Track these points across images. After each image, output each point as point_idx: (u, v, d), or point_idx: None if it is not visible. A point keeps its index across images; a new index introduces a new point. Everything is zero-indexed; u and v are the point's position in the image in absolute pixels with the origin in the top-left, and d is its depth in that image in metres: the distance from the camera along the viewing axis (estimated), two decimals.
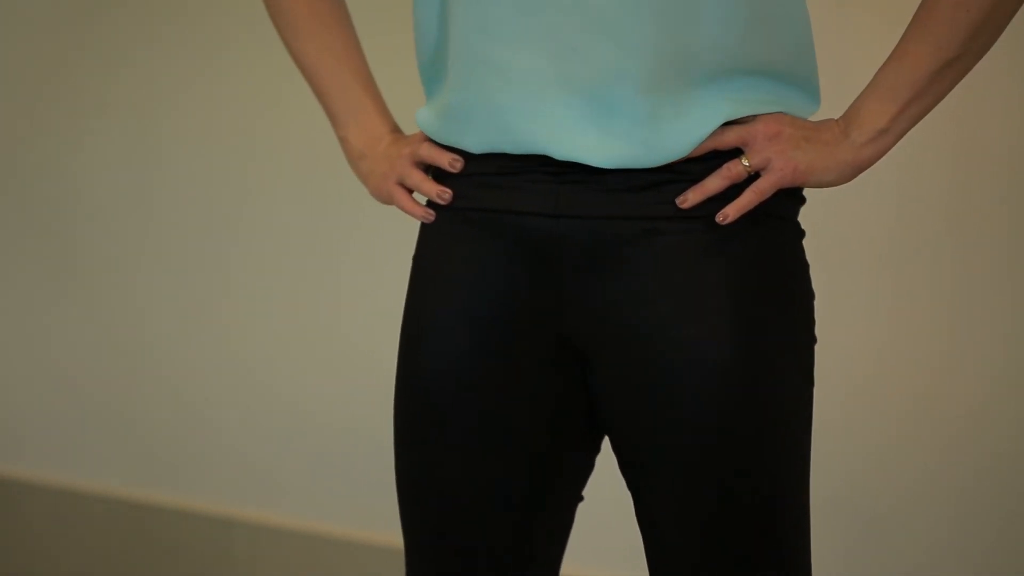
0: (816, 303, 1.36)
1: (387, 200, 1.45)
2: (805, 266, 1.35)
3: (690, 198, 1.28)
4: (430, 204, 1.38)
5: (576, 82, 1.26)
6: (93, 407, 2.88)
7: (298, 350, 2.67)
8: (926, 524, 2.22)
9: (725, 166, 1.28)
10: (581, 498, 1.43)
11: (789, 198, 1.33)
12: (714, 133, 1.28)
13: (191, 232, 2.75)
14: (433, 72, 1.36)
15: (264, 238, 2.69)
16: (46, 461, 2.94)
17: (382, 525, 2.64)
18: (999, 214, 2.14)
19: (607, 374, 1.32)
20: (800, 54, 1.32)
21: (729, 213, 1.28)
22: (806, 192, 1.36)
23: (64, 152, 2.84)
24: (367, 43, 1.52)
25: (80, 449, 2.90)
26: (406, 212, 1.41)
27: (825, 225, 1.36)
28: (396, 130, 1.47)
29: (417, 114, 1.38)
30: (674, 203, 1.28)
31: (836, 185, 1.33)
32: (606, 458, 1.41)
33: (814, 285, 1.35)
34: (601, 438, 1.40)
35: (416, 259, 1.41)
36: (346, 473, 2.66)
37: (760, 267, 1.30)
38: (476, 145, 1.32)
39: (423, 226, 1.40)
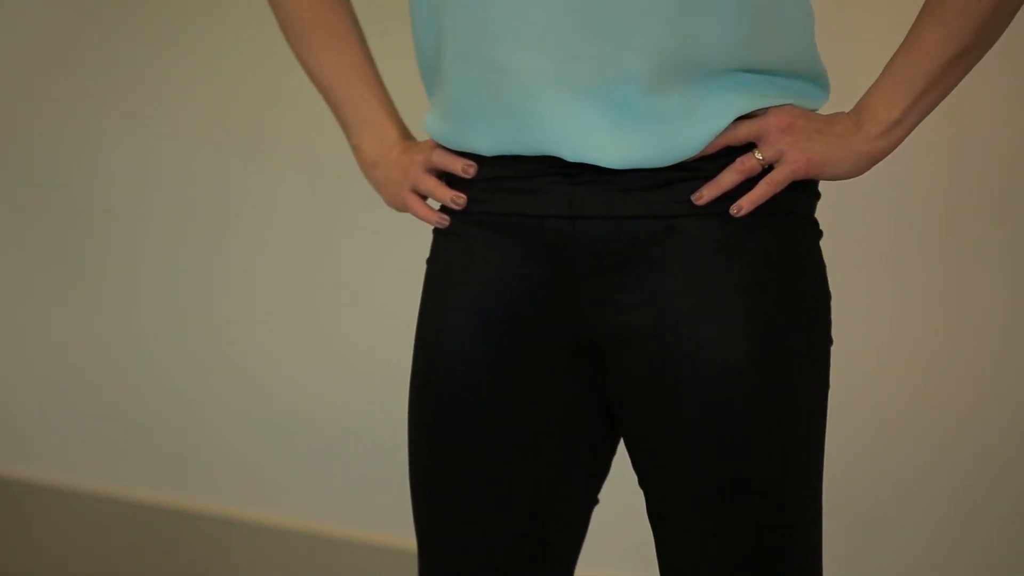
0: None
1: (401, 208, 1.45)
2: (821, 266, 1.34)
3: (705, 195, 1.28)
4: (444, 209, 1.38)
5: (581, 83, 1.26)
6: (93, 407, 2.88)
7: (298, 350, 2.67)
8: (926, 524, 2.22)
9: (739, 160, 1.28)
10: (596, 501, 1.43)
11: (803, 192, 1.32)
12: (726, 129, 1.28)
13: (191, 232, 2.75)
14: (433, 72, 1.36)
15: (264, 238, 2.69)
16: (46, 461, 2.94)
17: (382, 525, 2.64)
18: (999, 214, 2.14)
19: (622, 371, 1.32)
20: (806, 47, 1.31)
21: (743, 205, 1.28)
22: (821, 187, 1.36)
23: (65, 152, 2.84)
24: (370, 43, 1.52)
25: (80, 449, 2.90)
26: (421, 219, 1.41)
27: (824, 225, 1.35)
28: (408, 137, 1.47)
29: (425, 120, 1.38)
30: (689, 201, 1.28)
31: (850, 177, 1.33)
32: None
33: None
34: (617, 440, 1.40)
35: (430, 262, 1.41)
36: (346, 473, 2.66)
37: (775, 265, 1.30)
38: (487, 147, 1.32)
39: (437, 230, 1.40)
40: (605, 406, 1.36)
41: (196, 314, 2.76)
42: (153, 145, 2.76)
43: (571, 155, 1.27)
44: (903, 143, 1.34)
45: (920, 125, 1.34)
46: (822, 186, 1.35)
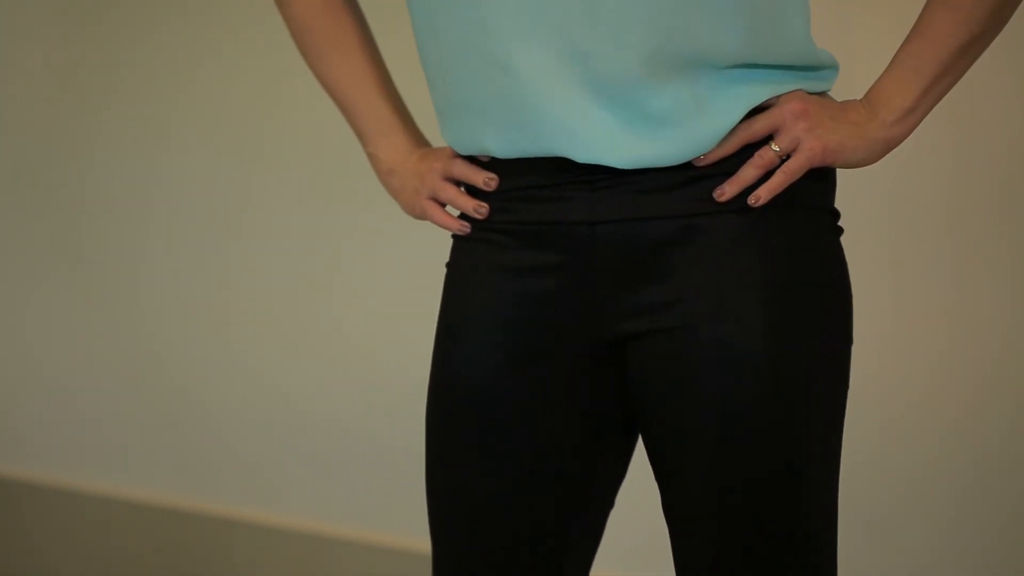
0: None
1: (420, 215, 1.45)
2: (841, 262, 1.34)
3: (727, 191, 1.28)
4: (463, 216, 1.38)
5: (584, 79, 1.25)
6: (94, 408, 2.88)
7: (299, 350, 2.67)
8: (926, 524, 2.22)
9: (757, 154, 1.28)
10: (612, 504, 1.43)
11: (820, 182, 1.32)
12: (743, 126, 1.28)
13: (191, 233, 2.75)
14: (435, 70, 1.36)
15: (264, 238, 2.69)
16: (46, 461, 2.94)
17: (382, 525, 2.64)
18: (999, 213, 2.14)
19: (642, 368, 1.32)
20: (805, 36, 1.31)
21: (761, 195, 1.28)
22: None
23: (65, 153, 2.85)
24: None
25: (80, 450, 2.90)
26: (441, 226, 1.41)
27: None
28: (424, 144, 1.47)
29: (440, 128, 1.38)
30: (708, 199, 1.28)
31: (864, 165, 1.32)
32: None
33: None
34: (634, 443, 1.41)
35: (451, 266, 1.41)
36: (346, 473, 2.66)
37: (794, 262, 1.30)
38: (500, 149, 1.31)
39: (457, 235, 1.40)
40: (624, 406, 1.37)
41: (196, 314, 2.76)
42: (154, 146, 2.76)
43: (581, 156, 1.27)
44: (902, 143, 1.34)
45: (920, 124, 1.34)
46: (842, 168, 1.34)
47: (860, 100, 1.32)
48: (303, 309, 2.67)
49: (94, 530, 2.88)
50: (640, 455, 1.42)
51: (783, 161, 1.29)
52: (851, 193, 1.58)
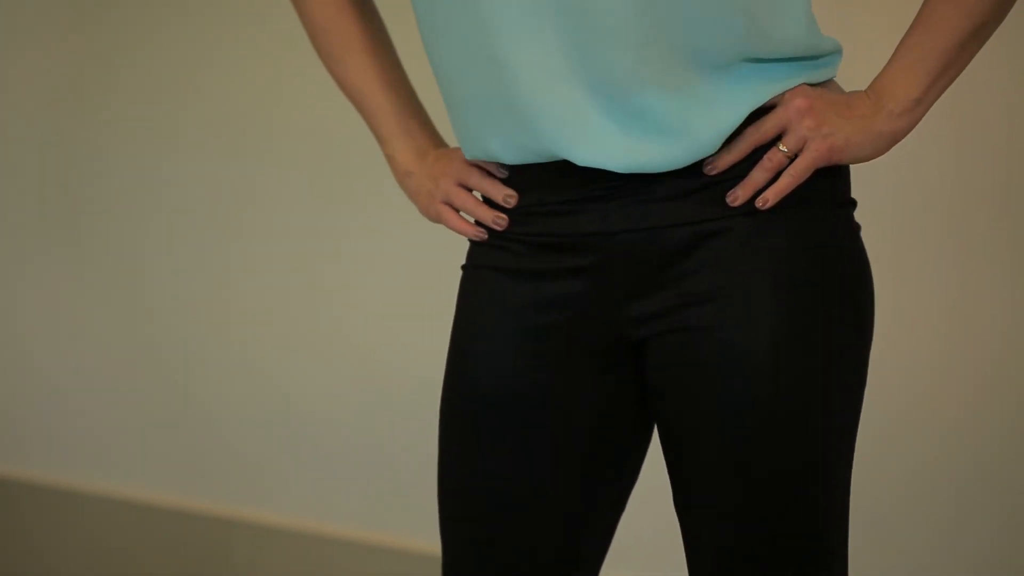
0: None
1: (436, 219, 1.45)
2: (856, 257, 1.33)
3: (740, 195, 1.28)
4: (481, 224, 1.38)
5: (584, 81, 1.25)
6: (94, 408, 2.88)
7: (299, 350, 2.67)
8: (925, 524, 2.22)
9: (766, 156, 1.28)
10: (623, 507, 1.43)
11: (829, 178, 1.32)
12: (750, 129, 1.28)
13: (192, 232, 2.75)
14: (439, 69, 1.36)
15: (266, 238, 2.69)
16: (46, 461, 2.94)
17: (382, 525, 2.64)
18: (1000, 212, 2.14)
19: (658, 369, 1.33)
20: (806, 22, 1.30)
21: (769, 198, 1.28)
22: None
23: (67, 153, 2.84)
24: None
25: (80, 450, 2.90)
26: (457, 232, 1.41)
27: None
28: (441, 144, 1.46)
29: (452, 127, 1.38)
30: (722, 204, 1.29)
31: (870, 159, 1.32)
32: None
33: None
34: (647, 447, 1.41)
35: (467, 268, 1.41)
36: (346, 473, 2.66)
37: (805, 261, 1.30)
38: (505, 153, 1.31)
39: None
40: (640, 409, 1.37)
41: (197, 315, 2.76)
42: (156, 145, 2.76)
43: (580, 158, 1.27)
44: (902, 142, 1.34)
45: (920, 122, 1.34)
46: (848, 164, 1.34)
47: (865, 91, 1.31)
48: (303, 309, 2.67)
49: (94, 530, 2.88)
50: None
51: (791, 161, 1.29)
52: (852, 192, 1.58)
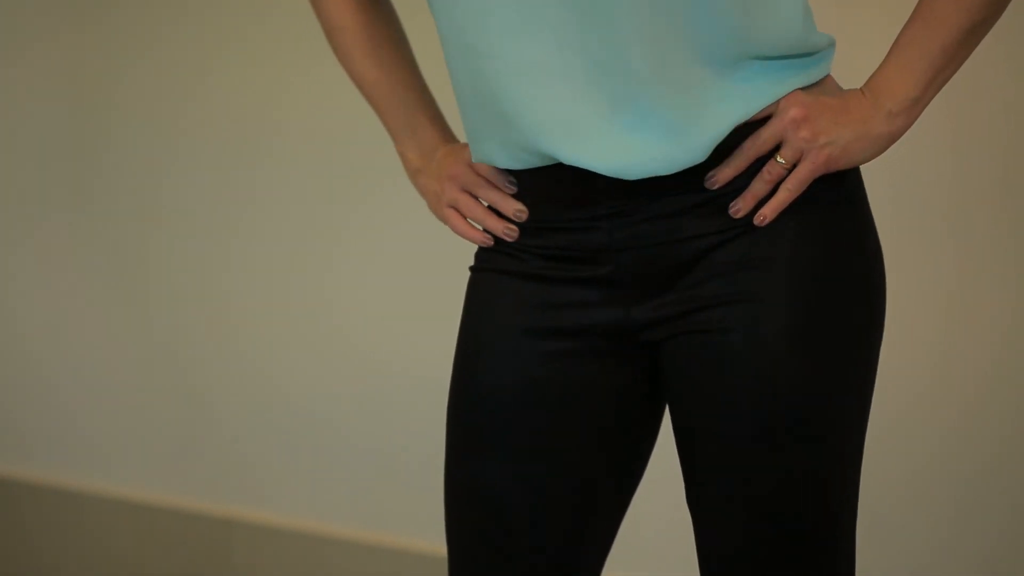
0: None
1: (443, 221, 1.45)
2: (866, 258, 1.33)
3: (742, 207, 1.29)
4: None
5: (574, 77, 1.25)
6: (93, 408, 2.87)
7: (300, 350, 2.67)
8: (926, 524, 2.22)
9: (764, 169, 1.28)
10: (627, 508, 1.44)
11: (837, 175, 1.31)
12: (748, 142, 1.27)
13: (194, 231, 2.75)
14: (448, 67, 1.35)
15: (265, 238, 2.69)
16: (46, 461, 2.94)
17: (382, 525, 2.64)
18: (1000, 214, 2.13)
19: (670, 370, 1.34)
20: (803, 20, 1.29)
21: (767, 214, 1.29)
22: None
23: (71, 152, 2.84)
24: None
25: (80, 450, 2.90)
26: (463, 237, 1.41)
27: None
28: (450, 140, 1.46)
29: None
30: (725, 216, 1.29)
31: (868, 161, 1.32)
32: None
33: None
34: (652, 446, 1.42)
35: (475, 270, 1.41)
36: (346, 473, 2.66)
37: (815, 264, 1.30)
38: (500, 155, 1.31)
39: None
40: (648, 406, 1.38)
41: (197, 315, 2.76)
42: (159, 145, 2.75)
43: (566, 155, 1.26)
44: (901, 142, 1.33)
45: (918, 123, 1.33)
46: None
47: (861, 90, 1.31)
48: (303, 309, 2.67)
49: (94, 530, 2.88)
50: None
51: (790, 171, 1.29)
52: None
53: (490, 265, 1.39)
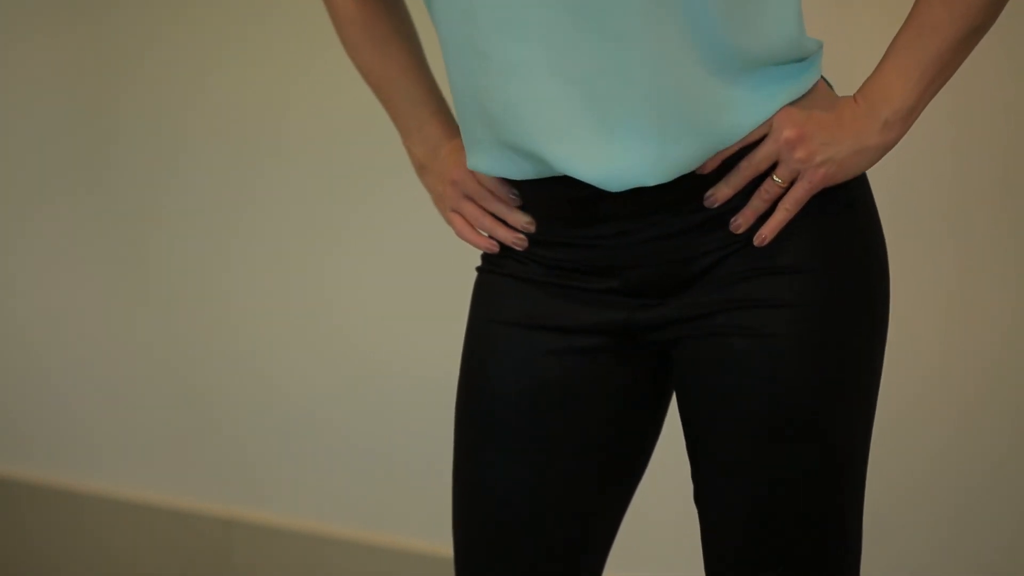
0: None
1: (449, 224, 1.45)
2: (869, 258, 1.33)
3: (742, 223, 1.29)
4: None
5: (565, 79, 1.24)
6: (94, 408, 2.87)
7: (300, 350, 2.67)
8: (926, 524, 2.22)
9: (762, 188, 1.29)
10: (627, 506, 1.45)
11: (832, 186, 1.32)
12: (743, 163, 1.28)
13: (193, 230, 2.75)
14: (446, 65, 1.35)
15: (266, 237, 2.68)
16: (46, 461, 2.94)
17: (382, 525, 2.64)
18: (999, 214, 2.13)
19: (680, 371, 1.35)
20: (798, 25, 1.29)
21: (765, 235, 1.29)
22: None
23: (74, 151, 2.84)
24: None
25: (80, 450, 2.90)
26: (468, 243, 1.41)
27: None
28: (456, 137, 1.46)
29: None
30: (726, 232, 1.29)
31: (862, 172, 1.32)
32: None
33: None
34: (653, 445, 1.42)
35: (482, 270, 1.41)
36: (346, 473, 2.66)
37: (818, 270, 1.31)
38: (497, 164, 1.31)
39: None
40: (653, 404, 1.39)
41: (197, 315, 2.76)
42: (159, 145, 2.75)
43: (554, 158, 1.26)
44: (901, 142, 1.33)
45: (918, 124, 1.33)
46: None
47: (855, 97, 1.30)
48: (303, 309, 2.67)
49: (94, 530, 2.88)
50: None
51: (787, 189, 1.29)
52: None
53: (497, 268, 1.39)
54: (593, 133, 1.25)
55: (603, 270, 1.32)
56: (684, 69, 1.24)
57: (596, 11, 1.22)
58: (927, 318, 2.18)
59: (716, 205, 1.28)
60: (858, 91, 1.31)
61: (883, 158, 1.33)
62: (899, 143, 1.32)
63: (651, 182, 1.25)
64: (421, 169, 1.47)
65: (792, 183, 1.28)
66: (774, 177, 1.28)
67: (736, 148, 1.27)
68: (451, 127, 1.46)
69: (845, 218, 1.33)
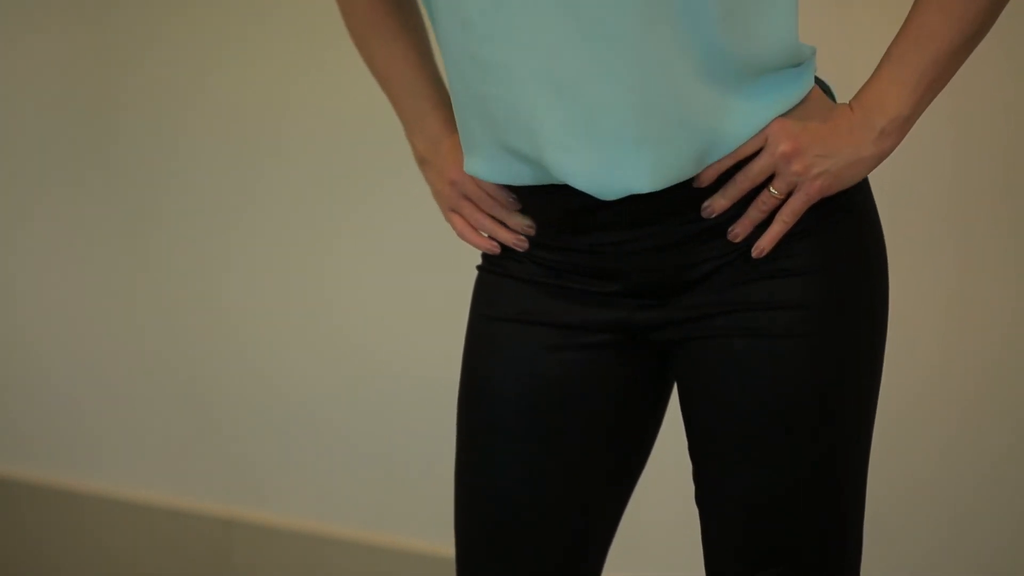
0: None
1: (449, 223, 1.45)
2: (867, 261, 1.34)
3: (739, 232, 1.29)
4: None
5: (555, 84, 1.24)
6: (94, 408, 2.87)
7: (300, 350, 2.67)
8: (926, 524, 2.22)
9: (759, 199, 1.29)
10: (626, 504, 1.45)
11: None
12: (740, 175, 1.28)
13: (193, 229, 2.75)
14: (447, 69, 1.35)
15: (266, 237, 2.68)
16: (46, 461, 2.94)
17: (382, 525, 2.64)
18: (999, 214, 2.13)
19: (682, 370, 1.36)
20: (792, 31, 1.28)
21: (763, 246, 1.29)
22: None
23: (67, 151, 2.84)
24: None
25: (80, 450, 2.90)
26: (469, 243, 1.41)
27: None
28: (456, 132, 1.45)
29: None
30: (724, 241, 1.30)
31: (858, 181, 1.32)
32: None
33: None
34: (654, 440, 1.42)
35: (483, 269, 1.41)
36: (346, 473, 2.66)
37: (817, 273, 1.31)
38: (496, 170, 1.31)
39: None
40: (653, 402, 1.39)
41: (198, 314, 2.76)
42: (160, 145, 2.75)
43: (549, 159, 1.26)
44: (902, 143, 1.33)
45: (918, 125, 1.33)
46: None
47: (850, 105, 1.30)
48: (304, 308, 2.67)
49: (94, 530, 2.88)
50: None
51: (784, 200, 1.29)
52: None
53: (497, 267, 1.39)
54: (586, 140, 1.24)
55: (603, 274, 1.32)
56: (679, 76, 1.23)
57: (588, 17, 1.21)
58: (927, 318, 2.18)
59: (713, 216, 1.29)
60: (854, 98, 1.31)
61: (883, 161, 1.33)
62: (898, 145, 1.32)
63: (645, 189, 1.25)
64: (422, 162, 1.47)
65: (789, 194, 1.28)
66: (771, 189, 1.28)
67: (731, 163, 1.27)
68: (452, 121, 1.46)
69: (844, 220, 1.33)
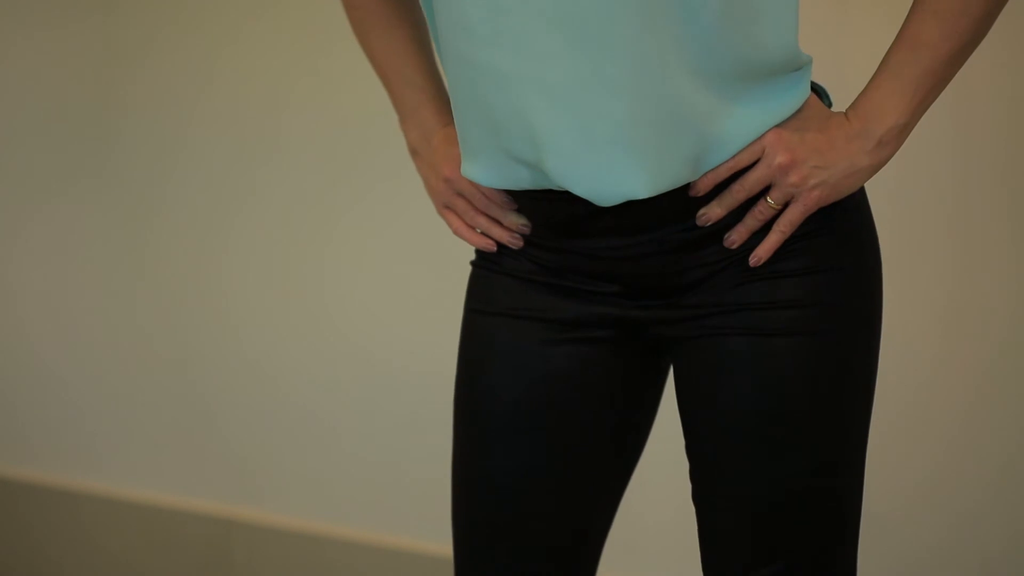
0: None
1: (443, 218, 1.45)
2: (863, 265, 1.34)
3: (736, 239, 1.30)
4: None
5: (559, 90, 1.24)
6: (93, 408, 2.88)
7: (300, 350, 2.67)
8: (926, 524, 2.22)
9: (756, 208, 1.29)
10: (625, 489, 1.46)
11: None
12: (735, 185, 1.28)
13: (193, 229, 2.75)
14: (446, 71, 1.36)
15: (266, 237, 2.69)
16: (46, 461, 2.94)
17: (382, 525, 2.64)
18: (999, 215, 2.13)
19: (680, 368, 1.36)
20: (792, 35, 1.29)
21: (761, 255, 1.29)
22: None
23: (67, 150, 2.85)
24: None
25: (80, 450, 2.90)
26: (464, 240, 1.41)
27: None
28: (450, 124, 1.45)
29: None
30: (721, 247, 1.30)
31: (856, 190, 1.33)
32: None
33: None
34: (644, 443, 1.43)
35: (477, 264, 1.41)
36: (346, 473, 2.66)
37: (812, 277, 1.31)
38: (494, 173, 1.31)
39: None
40: (649, 397, 1.40)
41: (198, 314, 2.76)
42: (161, 144, 2.76)
43: (549, 164, 1.26)
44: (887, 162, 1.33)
45: (919, 125, 1.33)
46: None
47: (847, 114, 1.30)
48: (303, 308, 2.67)
49: (94, 530, 2.88)
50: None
51: (781, 210, 1.30)
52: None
53: (492, 263, 1.39)
54: (585, 146, 1.24)
55: (601, 276, 1.33)
56: (676, 82, 1.23)
57: (586, 24, 1.21)
58: (926, 319, 2.19)
59: (708, 224, 1.29)
60: (850, 108, 1.31)
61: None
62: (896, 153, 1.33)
63: (643, 195, 1.25)
64: (414, 153, 1.48)
65: (786, 204, 1.29)
66: (768, 199, 1.28)
67: (728, 173, 1.28)
68: (445, 114, 1.46)
69: (840, 222, 1.33)
